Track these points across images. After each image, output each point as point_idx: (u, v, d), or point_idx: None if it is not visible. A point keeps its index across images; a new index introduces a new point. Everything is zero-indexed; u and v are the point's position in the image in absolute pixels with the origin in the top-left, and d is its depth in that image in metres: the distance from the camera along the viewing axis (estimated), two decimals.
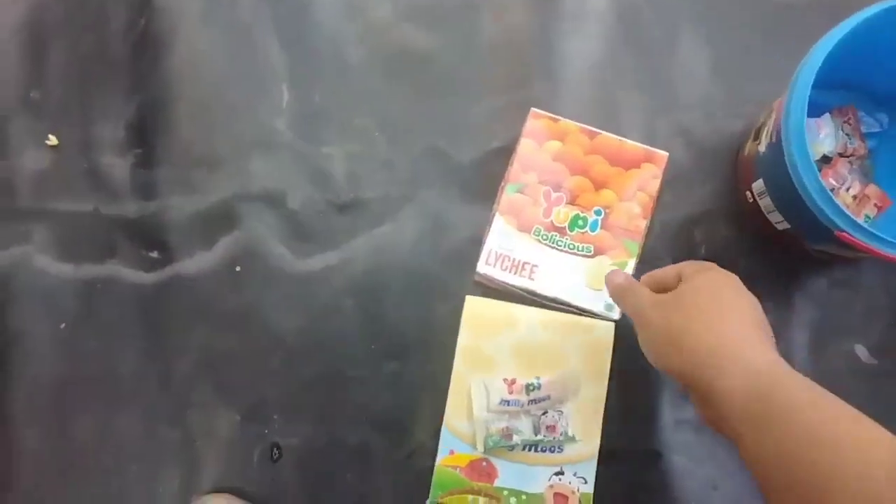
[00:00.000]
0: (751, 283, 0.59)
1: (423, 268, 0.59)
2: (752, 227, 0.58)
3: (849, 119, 0.57)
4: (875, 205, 0.56)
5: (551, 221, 0.57)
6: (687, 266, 0.46)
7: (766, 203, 0.54)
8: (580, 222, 0.57)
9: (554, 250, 0.56)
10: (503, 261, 0.56)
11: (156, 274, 0.60)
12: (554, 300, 0.56)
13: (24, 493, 0.57)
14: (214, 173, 0.61)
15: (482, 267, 0.56)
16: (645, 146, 0.58)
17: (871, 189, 0.56)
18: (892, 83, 0.55)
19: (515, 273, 0.56)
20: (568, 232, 0.56)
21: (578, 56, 0.63)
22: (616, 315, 0.55)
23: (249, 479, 0.57)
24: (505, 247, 0.56)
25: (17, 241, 0.61)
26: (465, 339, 0.53)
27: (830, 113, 0.57)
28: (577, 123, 0.59)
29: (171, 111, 0.63)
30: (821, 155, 0.56)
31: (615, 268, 0.55)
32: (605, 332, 0.53)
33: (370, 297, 0.59)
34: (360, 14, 0.64)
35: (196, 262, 0.60)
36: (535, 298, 0.56)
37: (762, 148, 0.52)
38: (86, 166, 0.62)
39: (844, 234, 0.44)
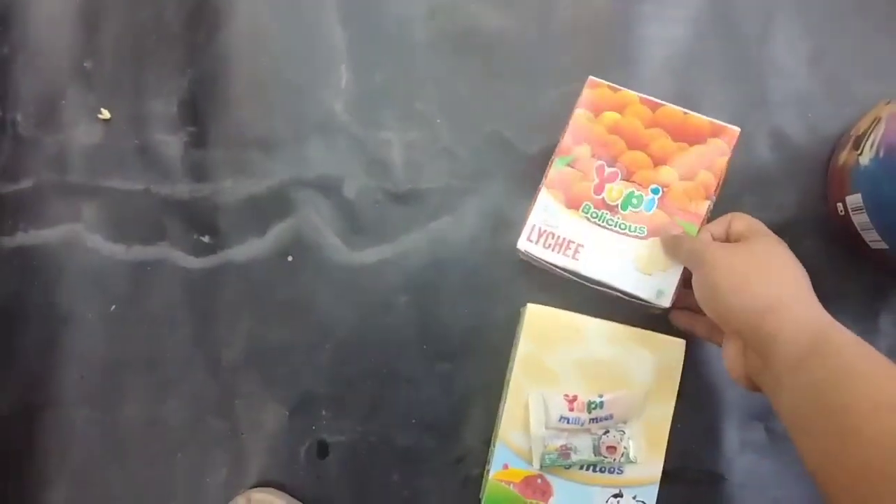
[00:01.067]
0: (834, 300, 0.54)
1: (480, 267, 0.57)
2: (840, 240, 0.54)
3: None
4: None
5: (603, 199, 0.52)
6: (736, 221, 0.47)
7: (861, 220, 0.49)
8: (634, 201, 0.52)
9: (603, 229, 0.52)
10: (546, 238, 0.52)
11: (206, 259, 0.58)
12: (598, 283, 0.51)
13: (73, 475, 0.57)
14: (269, 156, 0.59)
15: (523, 243, 0.52)
16: (713, 119, 0.53)
17: None
18: None
19: (559, 252, 0.52)
20: (620, 210, 0.52)
21: (659, 43, 0.59)
22: (667, 303, 0.50)
23: (295, 475, 0.56)
24: (550, 223, 0.52)
25: (67, 218, 0.60)
26: (524, 349, 0.50)
27: None
28: (638, 94, 0.53)
29: (226, 89, 0.60)
30: None
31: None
32: (676, 350, 0.50)
33: (424, 295, 0.57)
34: None
35: (247, 250, 0.58)
36: (579, 280, 0.52)
37: (864, 161, 0.47)
38: (137, 143, 0.60)
39: None
